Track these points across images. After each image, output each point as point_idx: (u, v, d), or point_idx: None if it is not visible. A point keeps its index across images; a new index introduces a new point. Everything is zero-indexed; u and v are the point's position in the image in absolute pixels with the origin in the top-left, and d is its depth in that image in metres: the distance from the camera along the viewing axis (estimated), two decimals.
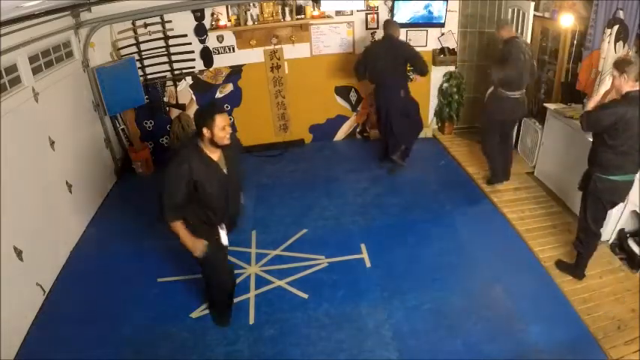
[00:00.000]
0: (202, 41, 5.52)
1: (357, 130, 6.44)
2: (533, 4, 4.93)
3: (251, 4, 5.35)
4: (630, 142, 2.90)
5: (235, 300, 3.50)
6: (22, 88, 3.79)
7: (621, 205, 3.48)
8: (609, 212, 3.39)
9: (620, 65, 2.87)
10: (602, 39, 4.01)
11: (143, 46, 5.42)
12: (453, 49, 5.97)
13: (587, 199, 3.25)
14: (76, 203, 4.49)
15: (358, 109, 6.29)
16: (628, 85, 2.85)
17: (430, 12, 5.60)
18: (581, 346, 2.97)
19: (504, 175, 4.87)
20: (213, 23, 5.42)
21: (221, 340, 3.17)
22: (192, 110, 5.92)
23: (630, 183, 3.13)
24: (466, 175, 5.28)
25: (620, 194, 3.18)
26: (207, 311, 3.42)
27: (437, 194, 4.91)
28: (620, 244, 3.73)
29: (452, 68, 6.07)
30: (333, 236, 4.26)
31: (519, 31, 5.29)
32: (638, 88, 2.84)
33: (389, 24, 4.96)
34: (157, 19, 5.30)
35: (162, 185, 2.60)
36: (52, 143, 4.15)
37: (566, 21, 4.40)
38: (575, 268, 3.51)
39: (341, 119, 6.32)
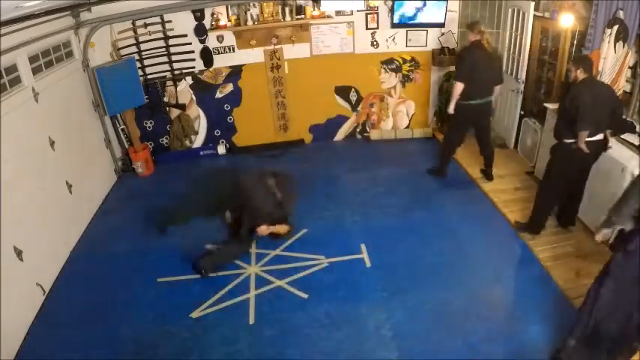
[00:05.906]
0: (202, 41, 5.52)
1: (357, 130, 6.44)
2: (533, 4, 4.93)
3: (251, 4, 5.35)
4: (478, 76, 4.44)
5: (235, 300, 3.51)
6: (22, 88, 3.79)
7: None
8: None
9: (470, 26, 4.60)
10: (602, 39, 4.00)
11: (143, 46, 5.43)
12: (453, 49, 5.97)
13: (454, 119, 4.83)
14: (76, 203, 4.49)
15: (358, 109, 6.29)
16: (472, 37, 4.53)
17: (430, 12, 5.59)
18: None
19: None
20: (213, 23, 5.42)
21: (221, 340, 3.17)
22: (192, 110, 5.93)
23: (480, 105, 4.63)
24: (466, 175, 5.28)
25: (476, 114, 4.69)
26: (207, 311, 3.42)
27: (437, 194, 4.91)
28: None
29: (452, 68, 6.06)
30: (333, 236, 4.26)
31: (519, 31, 5.29)
32: (478, 38, 4.51)
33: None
34: (157, 19, 5.31)
35: None
36: (52, 143, 4.15)
37: (566, 21, 4.40)
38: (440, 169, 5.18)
39: (341, 119, 6.32)
